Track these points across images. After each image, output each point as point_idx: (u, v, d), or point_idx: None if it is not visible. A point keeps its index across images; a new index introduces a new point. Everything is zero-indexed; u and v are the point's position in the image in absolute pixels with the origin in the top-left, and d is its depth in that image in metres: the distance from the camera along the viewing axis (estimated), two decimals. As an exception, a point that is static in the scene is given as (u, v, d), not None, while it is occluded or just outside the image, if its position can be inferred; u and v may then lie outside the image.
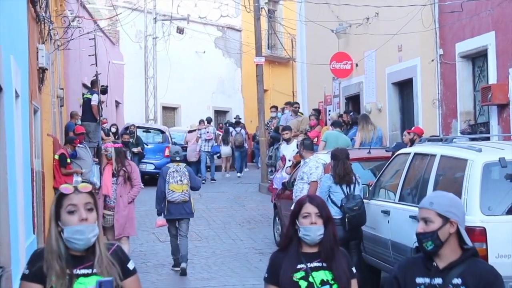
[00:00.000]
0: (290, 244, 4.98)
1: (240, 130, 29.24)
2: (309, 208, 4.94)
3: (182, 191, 13.41)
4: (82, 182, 15.84)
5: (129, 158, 18.99)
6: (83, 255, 4.10)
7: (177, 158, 13.78)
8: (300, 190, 12.91)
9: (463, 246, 4.35)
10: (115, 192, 12.83)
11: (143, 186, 23.39)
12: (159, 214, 13.63)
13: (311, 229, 4.90)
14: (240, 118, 33.36)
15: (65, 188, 4.12)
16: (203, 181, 25.61)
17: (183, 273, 13.21)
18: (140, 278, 4.45)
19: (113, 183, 12.85)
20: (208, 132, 27.01)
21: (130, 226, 12.91)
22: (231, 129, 29.55)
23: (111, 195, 12.82)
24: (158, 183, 13.57)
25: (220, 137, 29.00)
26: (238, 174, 28.61)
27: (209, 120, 28.94)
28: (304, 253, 4.96)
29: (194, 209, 13.89)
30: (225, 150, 28.58)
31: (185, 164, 13.95)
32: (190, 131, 28.57)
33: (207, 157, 26.99)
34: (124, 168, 12.86)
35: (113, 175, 12.89)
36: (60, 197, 4.11)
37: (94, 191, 4.27)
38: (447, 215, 4.30)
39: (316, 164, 13.03)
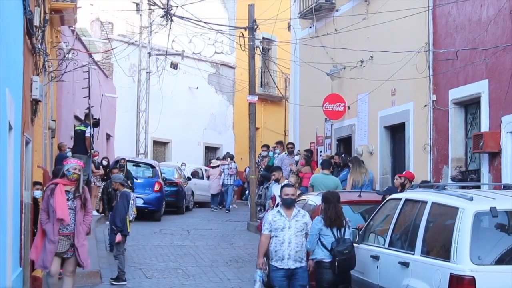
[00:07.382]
0: None
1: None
2: None
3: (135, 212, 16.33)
4: None
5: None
6: None
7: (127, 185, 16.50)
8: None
9: None
10: (74, 218, 11.55)
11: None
12: (120, 231, 15.54)
13: None
14: (231, 155, 33.59)
15: None
16: (227, 211, 29.28)
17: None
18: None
19: (69, 208, 11.58)
20: (231, 167, 29.86)
21: (88, 257, 12.00)
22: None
23: (68, 220, 11.48)
24: (123, 205, 15.56)
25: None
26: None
27: (231, 157, 31.39)
28: None
29: None
30: None
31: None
32: (213, 167, 31.55)
33: (229, 189, 29.79)
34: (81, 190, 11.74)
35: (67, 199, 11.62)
36: None
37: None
38: None
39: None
